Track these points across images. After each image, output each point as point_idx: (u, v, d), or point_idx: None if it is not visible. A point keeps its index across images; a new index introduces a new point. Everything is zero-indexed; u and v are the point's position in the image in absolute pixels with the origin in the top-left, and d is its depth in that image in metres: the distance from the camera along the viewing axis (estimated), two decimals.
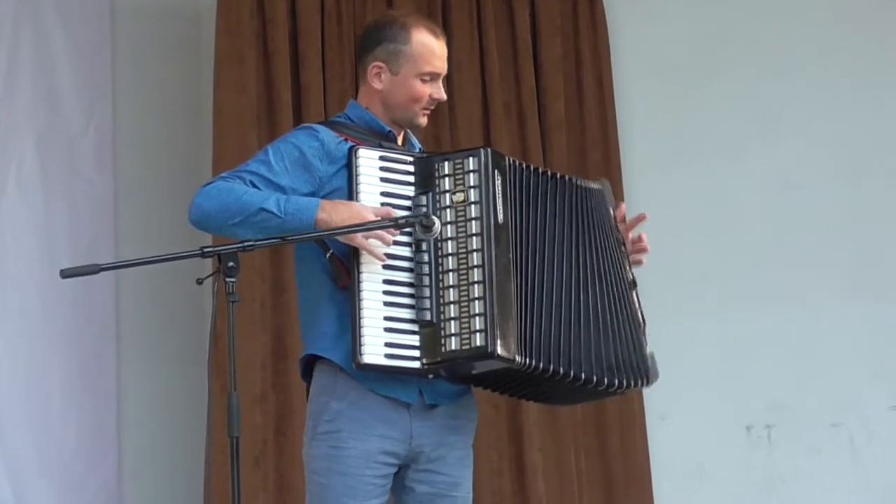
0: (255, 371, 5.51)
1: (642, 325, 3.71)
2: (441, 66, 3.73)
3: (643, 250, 3.78)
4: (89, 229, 5.56)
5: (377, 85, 3.72)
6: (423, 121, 3.75)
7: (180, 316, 5.69)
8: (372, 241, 3.47)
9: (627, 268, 3.73)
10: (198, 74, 5.91)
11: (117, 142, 5.71)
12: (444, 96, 3.75)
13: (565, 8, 6.10)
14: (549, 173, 3.69)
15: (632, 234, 3.80)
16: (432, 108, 3.75)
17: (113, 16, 5.76)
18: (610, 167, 5.92)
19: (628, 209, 3.81)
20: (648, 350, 3.70)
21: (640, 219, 3.81)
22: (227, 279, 3.31)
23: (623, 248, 3.74)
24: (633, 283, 3.73)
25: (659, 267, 5.79)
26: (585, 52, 6.08)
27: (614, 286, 3.68)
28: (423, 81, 3.70)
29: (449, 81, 5.89)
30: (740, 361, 5.95)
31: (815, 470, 5.91)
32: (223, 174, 3.62)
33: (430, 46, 3.71)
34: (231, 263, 3.32)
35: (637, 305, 3.72)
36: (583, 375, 3.58)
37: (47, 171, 5.50)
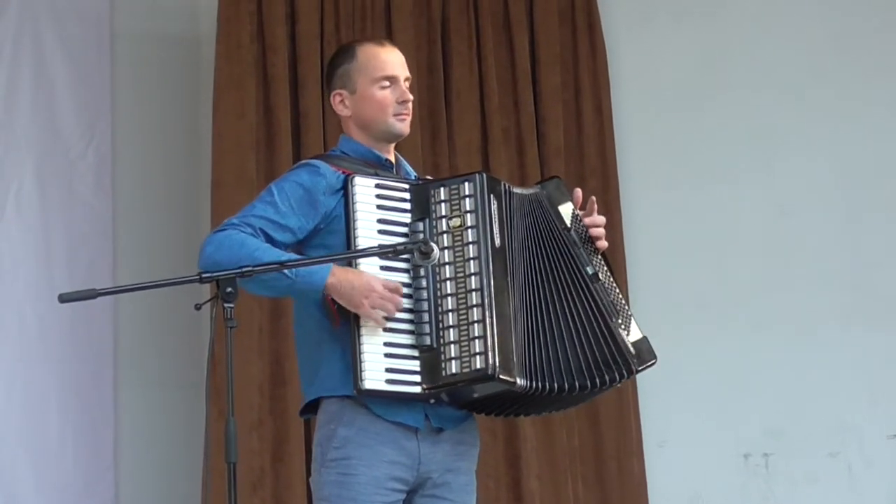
0: (253, 397, 5.50)
1: (616, 315, 3.65)
2: (393, 69, 3.72)
3: (599, 237, 3.74)
4: (88, 252, 5.56)
5: (345, 112, 3.74)
6: (403, 127, 3.72)
7: (178, 340, 5.69)
8: (377, 310, 3.46)
9: (583, 264, 3.68)
10: (197, 99, 5.92)
11: (116, 165, 5.71)
12: (410, 96, 3.72)
13: (565, 36, 6.11)
14: (508, 188, 3.65)
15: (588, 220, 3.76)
16: (406, 111, 3.72)
17: (113, 40, 5.77)
18: (608, 195, 5.91)
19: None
20: (631, 338, 3.65)
21: (593, 202, 3.76)
22: (226, 304, 3.29)
23: (575, 245, 3.68)
24: (594, 277, 3.68)
25: (656, 293, 5.84)
26: (584, 80, 6.09)
27: (574, 288, 3.64)
28: (383, 88, 3.70)
29: (448, 108, 5.94)
30: (738, 389, 5.94)
31: (813, 498, 5.89)
32: (231, 219, 3.58)
33: (375, 53, 3.73)
34: (229, 289, 3.30)
35: (600, 299, 3.65)
36: (577, 385, 3.57)
37: (46, 195, 5.51)
